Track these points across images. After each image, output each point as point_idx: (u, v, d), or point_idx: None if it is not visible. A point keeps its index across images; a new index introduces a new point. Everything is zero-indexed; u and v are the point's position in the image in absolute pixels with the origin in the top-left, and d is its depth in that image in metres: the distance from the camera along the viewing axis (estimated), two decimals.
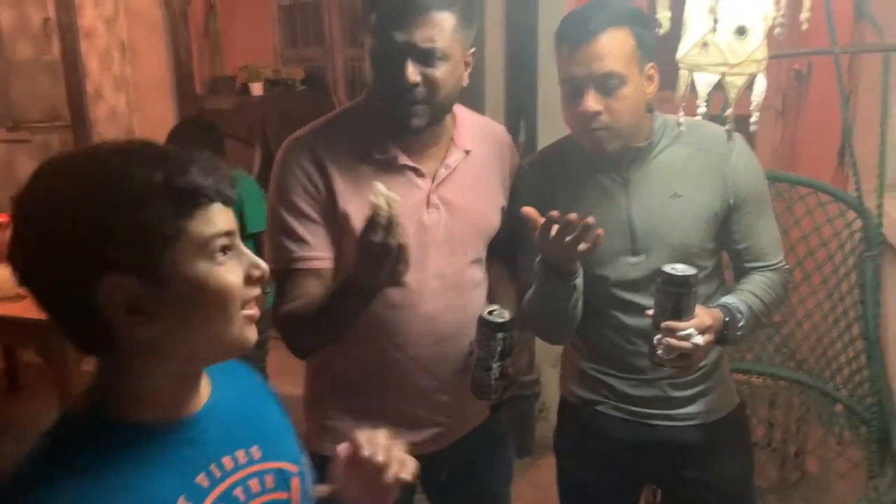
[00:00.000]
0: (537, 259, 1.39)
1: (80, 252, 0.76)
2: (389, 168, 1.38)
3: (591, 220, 1.26)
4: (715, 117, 1.43)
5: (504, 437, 1.67)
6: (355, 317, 1.32)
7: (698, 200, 1.45)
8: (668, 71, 1.39)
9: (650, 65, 1.41)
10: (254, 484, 0.91)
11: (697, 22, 1.26)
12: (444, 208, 1.42)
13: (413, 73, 1.30)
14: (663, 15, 1.31)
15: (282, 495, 0.94)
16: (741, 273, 1.53)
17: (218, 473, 0.87)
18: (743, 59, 1.25)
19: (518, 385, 1.62)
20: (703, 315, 1.34)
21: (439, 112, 1.38)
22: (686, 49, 1.28)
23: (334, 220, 1.38)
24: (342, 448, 0.97)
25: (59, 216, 0.77)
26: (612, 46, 1.35)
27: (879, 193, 2.20)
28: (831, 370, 2.46)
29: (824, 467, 2.54)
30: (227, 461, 0.89)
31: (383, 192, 1.13)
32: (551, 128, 2.18)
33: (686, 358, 1.33)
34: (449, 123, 1.45)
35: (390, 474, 0.94)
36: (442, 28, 1.30)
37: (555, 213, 1.28)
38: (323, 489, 1.02)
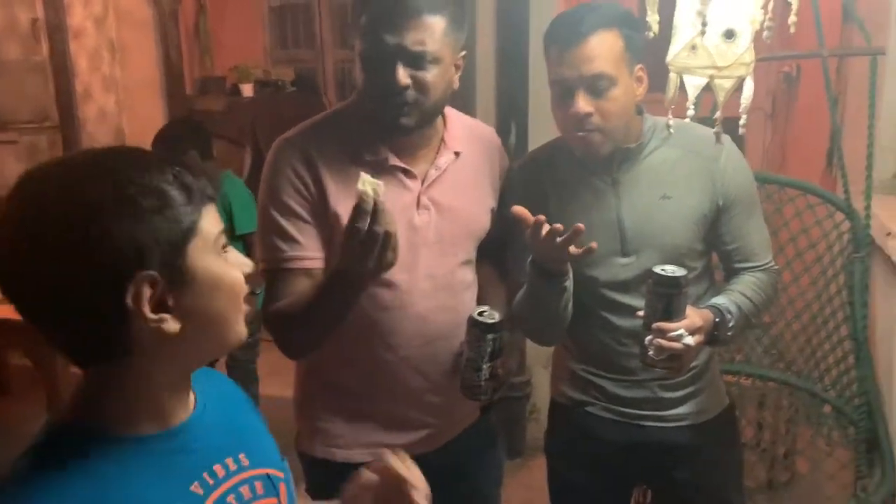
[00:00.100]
0: (528, 260, 1.40)
1: (112, 255, 0.75)
2: (380, 169, 1.38)
3: (580, 227, 1.26)
4: (704, 119, 1.43)
5: (494, 438, 1.67)
6: (346, 311, 1.32)
7: (688, 202, 1.45)
8: (658, 73, 1.40)
9: (639, 66, 1.41)
10: (245, 491, 0.91)
11: (686, 25, 1.27)
12: (435, 209, 1.43)
13: (403, 76, 1.30)
14: (652, 18, 1.32)
15: (271, 501, 0.94)
16: (731, 274, 1.54)
17: (211, 481, 0.87)
18: (731, 61, 1.26)
19: (509, 386, 1.62)
20: (694, 316, 1.34)
21: (429, 115, 1.38)
22: (675, 52, 1.29)
23: (325, 220, 1.38)
24: (370, 476, 0.99)
25: (84, 223, 0.75)
26: (602, 48, 1.35)
27: (867, 195, 2.21)
28: (820, 371, 2.47)
29: (813, 468, 2.55)
30: (218, 469, 0.88)
31: (368, 180, 1.14)
32: (542, 130, 2.19)
33: (677, 359, 1.33)
34: (439, 125, 1.45)
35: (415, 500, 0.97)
36: (432, 31, 1.30)
37: (541, 217, 1.28)
38: None
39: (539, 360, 2.86)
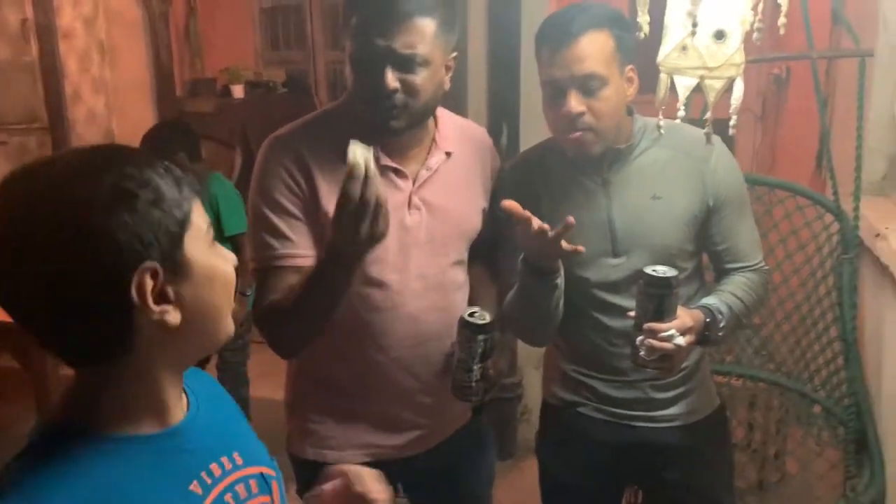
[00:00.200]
0: (520, 258, 1.40)
1: (113, 249, 0.74)
2: None
3: (571, 220, 1.26)
4: (694, 120, 1.44)
5: (486, 439, 1.67)
6: (337, 297, 1.30)
7: (678, 202, 1.46)
8: (649, 74, 1.40)
9: (630, 67, 1.42)
10: (241, 489, 0.91)
11: (677, 26, 1.27)
12: (426, 209, 1.42)
13: (392, 79, 1.30)
14: (643, 19, 1.32)
15: (265, 499, 0.94)
16: (721, 274, 1.54)
17: (209, 481, 0.87)
18: (722, 62, 1.26)
19: (500, 387, 1.62)
20: (685, 316, 1.35)
21: (419, 117, 1.38)
22: (666, 52, 1.29)
23: (316, 218, 1.37)
24: (331, 485, 1.00)
25: (80, 220, 0.74)
26: (593, 48, 1.35)
27: (856, 197, 2.22)
28: (810, 372, 2.48)
29: (803, 468, 2.56)
30: (214, 468, 0.88)
31: (359, 148, 1.14)
32: (534, 131, 2.19)
33: (668, 359, 1.34)
34: (430, 125, 1.45)
35: None
36: (422, 34, 1.30)
37: (528, 213, 1.28)
38: None
39: (530, 361, 2.86)
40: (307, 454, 1.49)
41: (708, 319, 1.40)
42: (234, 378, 3.00)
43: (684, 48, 1.28)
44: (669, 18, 1.29)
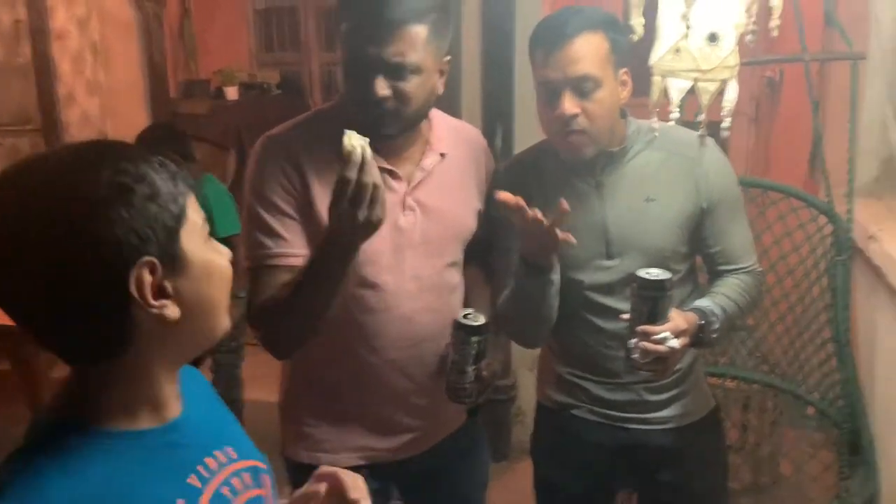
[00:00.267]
0: (517, 257, 1.40)
1: (112, 245, 0.74)
2: None
3: (564, 205, 1.26)
4: (688, 123, 1.44)
5: (480, 441, 1.67)
6: (333, 291, 1.29)
7: (671, 205, 1.46)
8: (642, 77, 1.41)
9: (623, 70, 1.42)
10: (236, 482, 0.91)
11: (670, 28, 1.28)
12: (420, 211, 1.42)
13: (382, 87, 1.29)
14: (637, 21, 1.32)
15: (260, 492, 0.95)
16: (715, 276, 1.55)
17: (206, 474, 0.87)
18: (715, 65, 1.27)
19: (494, 389, 1.62)
20: (679, 318, 1.35)
21: (411, 122, 1.37)
22: (659, 55, 1.30)
23: (310, 219, 1.36)
24: (321, 486, 0.99)
25: (77, 216, 0.74)
26: (587, 50, 1.36)
27: (849, 199, 2.23)
28: (803, 373, 2.49)
29: (797, 469, 2.57)
30: (210, 462, 0.89)
31: (354, 136, 1.14)
32: (528, 132, 2.19)
33: (662, 361, 1.34)
34: (424, 127, 1.45)
35: None
36: (413, 42, 1.29)
37: (522, 201, 1.28)
38: None
39: (524, 363, 2.86)
40: (302, 458, 1.48)
41: (702, 322, 1.40)
42: (228, 380, 3.00)
43: (678, 51, 1.28)
44: (662, 21, 1.29)
